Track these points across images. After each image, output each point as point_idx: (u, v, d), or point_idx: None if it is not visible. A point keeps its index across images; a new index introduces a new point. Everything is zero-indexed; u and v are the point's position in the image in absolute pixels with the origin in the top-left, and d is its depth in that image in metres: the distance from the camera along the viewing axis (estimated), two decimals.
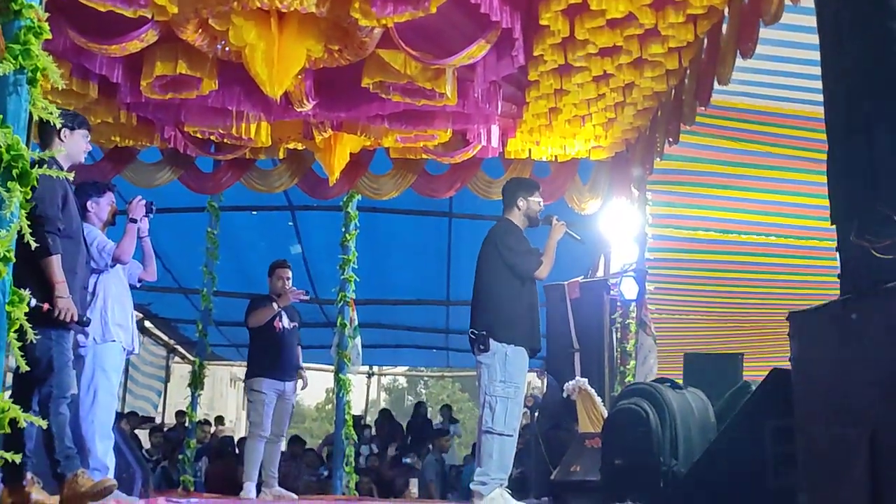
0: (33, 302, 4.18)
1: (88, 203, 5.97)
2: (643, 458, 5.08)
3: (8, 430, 2.53)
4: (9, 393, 4.79)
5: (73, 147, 5.02)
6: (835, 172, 3.27)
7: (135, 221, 5.95)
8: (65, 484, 4.64)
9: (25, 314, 4.60)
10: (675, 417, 5.08)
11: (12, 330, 2.60)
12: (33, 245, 4.21)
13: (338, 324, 9.15)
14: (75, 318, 4.71)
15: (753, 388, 4.96)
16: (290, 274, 8.10)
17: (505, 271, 6.14)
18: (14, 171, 2.59)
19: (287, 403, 7.96)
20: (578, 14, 5.88)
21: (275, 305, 7.85)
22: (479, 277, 6.29)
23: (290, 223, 11.33)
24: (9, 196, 2.58)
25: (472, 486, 5.94)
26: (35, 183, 2.61)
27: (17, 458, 2.68)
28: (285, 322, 7.95)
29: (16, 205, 2.60)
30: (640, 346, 7.99)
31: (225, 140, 8.05)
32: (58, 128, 4.77)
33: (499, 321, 6.03)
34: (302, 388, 8.26)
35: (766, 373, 4.36)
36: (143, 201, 6.07)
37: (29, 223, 4.48)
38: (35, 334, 4.32)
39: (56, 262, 4.59)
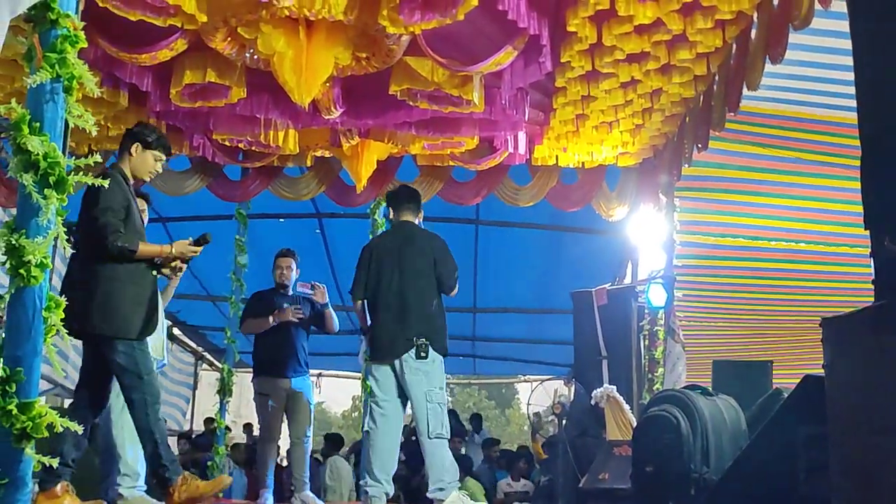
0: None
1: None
2: (674, 465, 5.04)
3: (46, 435, 2.55)
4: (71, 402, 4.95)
5: (140, 164, 5.18)
6: (868, 177, 3.24)
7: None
8: (173, 487, 4.69)
9: (95, 326, 4.71)
10: (706, 424, 5.04)
11: (49, 336, 2.62)
12: (125, 249, 4.65)
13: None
14: (192, 252, 5.03)
15: (785, 395, 4.92)
16: (290, 262, 7.70)
17: (435, 284, 6.29)
18: (51, 179, 2.61)
19: (299, 402, 7.54)
20: (606, 20, 5.87)
21: (270, 319, 7.44)
22: (414, 284, 6.29)
23: (318, 230, 11.37)
24: (46, 203, 2.61)
25: (430, 494, 5.99)
26: (71, 190, 2.64)
27: (54, 463, 2.69)
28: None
29: (52, 212, 2.62)
30: (669, 353, 7.95)
31: (253, 148, 8.09)
32: (135, 144, 5.11)
33: (435, 331, 6.22)
34: (321, 304, 7.61)
35: (796, 380, 4.33)
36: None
37: (93, 234, 4.61)
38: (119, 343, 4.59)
39: (146, 248, 4.88)
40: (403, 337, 6.14)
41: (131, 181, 5.16)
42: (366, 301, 6.32)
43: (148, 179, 5.37)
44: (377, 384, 6.21)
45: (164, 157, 5.33)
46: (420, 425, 6.06)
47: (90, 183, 4.72)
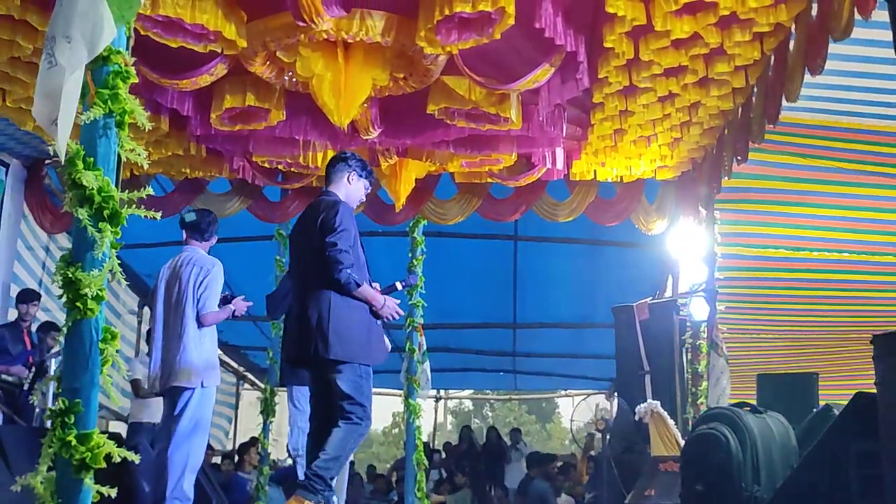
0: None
1: (212, 237, 6.15)
2: (724, 484, 4.99)
3: (104, 465, 2.59)
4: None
5: (355, 193, 5.40)
6: None
7: (234, 315, 6.11)
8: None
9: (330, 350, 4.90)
10: (755, 442, 4.99)
11: (106, 367, 2.66)
12: (352, 282, 4.86)
13: (406, 349, 9.16)
14: (399, 313, 5.17)
15: (836, 411, 4.87)
16: None
17: None
18: (105, 213, 2.66)
19: None
20: (643, 35, 5.84)
21: None
22: None
23: None
24: (100, 237, 2.65)
25: None
26: (125, 223, 2.68)
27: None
28: None
29: (107, 245, 2.66)
30: (713, 367, 7.88)
31: (292, 169, 8.16)
32: (351, 173, 5.31)
33: None
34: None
35: (843, 392, 4.30)
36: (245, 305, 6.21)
37: (326, 257, 4.83)
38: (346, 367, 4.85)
39: (366, 289, 5.01)
40: None
41: None
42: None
43: (355, 206, 5.50)
44: None
45: (371, 187, 5.57)
46: None
47: (334, 206, 5.00)
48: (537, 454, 13.80)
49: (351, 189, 5.35)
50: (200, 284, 5.89)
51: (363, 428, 5.02)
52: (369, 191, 5.58)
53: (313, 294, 5.02)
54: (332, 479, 4.91)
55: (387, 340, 7.22)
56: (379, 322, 5.21)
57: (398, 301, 5.27)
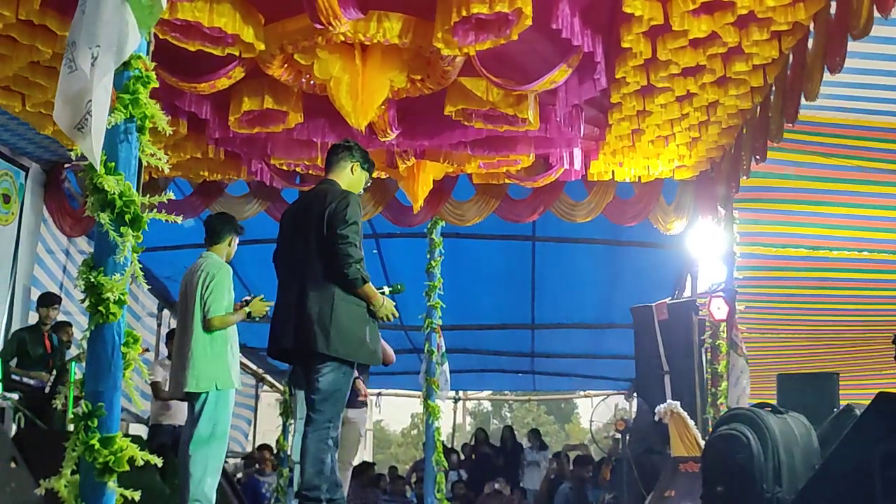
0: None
1: (232, 239, 6.14)
2: (746, 485, 4.97)
3: (127, 468, 2.60)
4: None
5: (357, 184, 5.26)
6: None
7: (250, 316, 6.07)
8: None
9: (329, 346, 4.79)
10: (777, 443, 4.96)
11: (128, 370, 2.67)
12: (360, 278, 4.75)
13: (425, 350, 9.16)
14: (395, 315, 5.07)
15: (857, 411, 4.83)
16: None
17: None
18: (126, 217, 2.67)
19: (352, 430, 7.44)
20: (660, 35, 5.83)
21: None
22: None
23: (375, 251, 11.41)
24: (122, 241, 2.66)
25: None
26: (146, 227, 2.69)
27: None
28: None
29: (129, 249, 2.68)
30: (732, 367, 7.85)
31: (310, 171, 8.17)
32: (355, 164, 5.21)
33: None
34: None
35: (864, 392, 4.27)
36: (266, 306, 6.14)
37: (336, 252, 4.74)
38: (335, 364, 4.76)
39: (369, 287, 4.91)
40: None
41: None
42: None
43: None
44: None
45: (370, 183, 5.48)
46: None
47: (345, 198, 4.90)
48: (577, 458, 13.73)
49: (353, 180, 5.20)
50: (206, 288, 5.88)
51: (332, 431, 4.83)
52: (369, 185, 5.48)
53: (316, 286, 4.88)
54: (331, 486, 4.82)
55: (387, 346, 7.18)
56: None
57: (394, 302, 5.19)
